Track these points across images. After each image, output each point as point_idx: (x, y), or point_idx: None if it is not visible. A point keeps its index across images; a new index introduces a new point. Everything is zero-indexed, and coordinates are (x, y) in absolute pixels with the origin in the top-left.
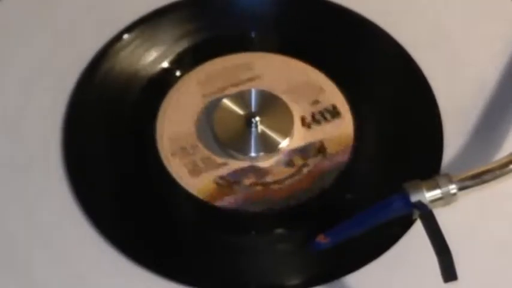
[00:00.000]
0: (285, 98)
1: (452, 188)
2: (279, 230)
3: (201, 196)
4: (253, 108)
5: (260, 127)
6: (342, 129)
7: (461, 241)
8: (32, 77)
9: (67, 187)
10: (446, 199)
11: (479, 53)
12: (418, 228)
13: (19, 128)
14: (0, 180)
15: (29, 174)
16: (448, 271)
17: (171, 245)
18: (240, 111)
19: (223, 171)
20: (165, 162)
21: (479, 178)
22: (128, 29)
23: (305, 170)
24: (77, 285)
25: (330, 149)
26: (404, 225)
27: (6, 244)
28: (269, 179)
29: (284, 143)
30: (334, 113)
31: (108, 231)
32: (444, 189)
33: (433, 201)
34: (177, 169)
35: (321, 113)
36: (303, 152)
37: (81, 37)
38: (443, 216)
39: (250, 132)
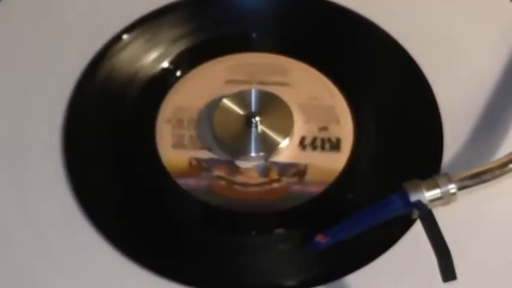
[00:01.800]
0: (298, 112)
1: (452, 187)
2: (279, 230)
3: (169, 170)
4: (253, 108)
5: (260, 127)
6: (332, 163)
7: (460, 241)
8: (32, 77)
9: (67, 187)
10: (445, 199)
11: (479, 53)
12: (418, 229)
13: (19, 128)
14: (0, 180)
15: (29, 174)
16: (447, 271)
17: (171, 245)
18: (240, 111)
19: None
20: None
21: (479, 178)
22: (128, 29)
23: (274, 185)
24: (77, 285)
25: (310, 176)
26: (404, 225)
27: (6, 244)
28: (237, 179)
29: (284, 143)
30: (335, 146)
31: (108, 231)
32: (444, 188)
33: (433, 200)
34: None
35: (323, 141)
36: (283, 168)
37: (81, 37)
38: (442, 216)
39: (250, 132)
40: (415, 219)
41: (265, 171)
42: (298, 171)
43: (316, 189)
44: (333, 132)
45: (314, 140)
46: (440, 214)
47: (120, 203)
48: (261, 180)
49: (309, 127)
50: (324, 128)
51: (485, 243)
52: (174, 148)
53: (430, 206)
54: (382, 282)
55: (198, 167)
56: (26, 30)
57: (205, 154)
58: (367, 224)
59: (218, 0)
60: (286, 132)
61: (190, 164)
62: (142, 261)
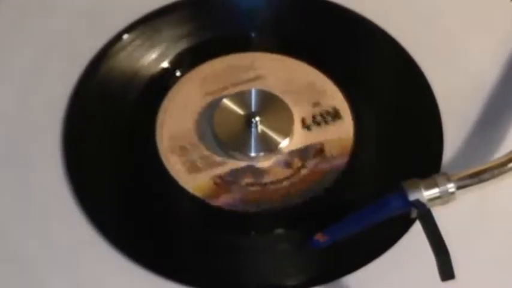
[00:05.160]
0: (285, 98)
1: (451, 186)
2: (279, 230)
3: (197, 194)
4: (253, 108)
5: (260, 127)
6: (342, 132)
7: (459, 240)
8: (32, 77)
9: (67, 187)
10: (444, 198)
11: (479, 52)
12: (417, 228)
13: (19, 128)
14: (0, 180)
15: (29, 174)
16: (446, 270)
17: (171, 245)
18: (240, 111)
19: (222, 170)
20: (165, 162)
21: (478, 177)
22: (128, 29)
23: (303, 172)
24: (77, 285)
25: (329, 151)
26: (404, 225)
27: (5, 243)
28: (266, 179)
29: (284, 143)
30: (335, 115)
31: (108, 231)
32: (442, 188)
33: (431, 200)
34: (177, 169)
35: (322, 115)
36: (302, 153)
37: (81, 37)
38: (441, 215)
39: (250, 132)
40: (415, 219)
41: (287, 162)
42: (317, 150)
43: (342, 161)
44: (326, 104)
45: (314, 117)
46: (439, 213)
47: (120, 203)
48: (289, 172)
49: (303, 108)
50: (317, 103)
51: (484, 242)
52: (191, 175)
53: (429, 205)
54: (382, 282)
55: (224, 183)
56: (26, 30)
57: (224, 168)
58: (366, 223)
59: (218, 0)
60: (286, 132)
61: (215, 183)
62: (142, 261)
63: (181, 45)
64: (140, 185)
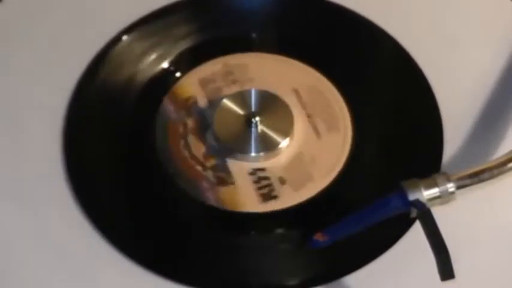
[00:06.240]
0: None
1: (450, 186)
2: (279, 230)
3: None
4: (253, 108)
5: (260, 127)
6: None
7: (458, 240)
8: (32, 78)
9: (67, 187)
10: (444, 198)
11: (479, 53)
12: (418, 228)
13: (19, 129)
14: (0, 180)
15: (29, 174)
16: (446, 269)
17: (171, 245)
18: (240, 111)
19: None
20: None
21: (477, 177)
22: (128, 30)
23: None
24: (77, 285)
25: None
26: (405, 225)
27: (6, 244)
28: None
29: (284, 143)
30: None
31: (108, 231)
32: (442, 187)
33: (431, 199)
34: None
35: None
36: None
37: (82, 37)
38: (441, 215)
39: (250, 132)
40: (415, 219)
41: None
42: None
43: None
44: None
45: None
46: (439, 213)
47: (120, 203)
48: None
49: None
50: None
51: (484, 242)
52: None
53: (428, 205)
54: (382, 282)
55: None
56: (26, 31)
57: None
58: (365, 223)
59: (218, 0)
60: (286, 132)
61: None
62: (142, 261)
63: (181, 46)
64: (140, 185)
